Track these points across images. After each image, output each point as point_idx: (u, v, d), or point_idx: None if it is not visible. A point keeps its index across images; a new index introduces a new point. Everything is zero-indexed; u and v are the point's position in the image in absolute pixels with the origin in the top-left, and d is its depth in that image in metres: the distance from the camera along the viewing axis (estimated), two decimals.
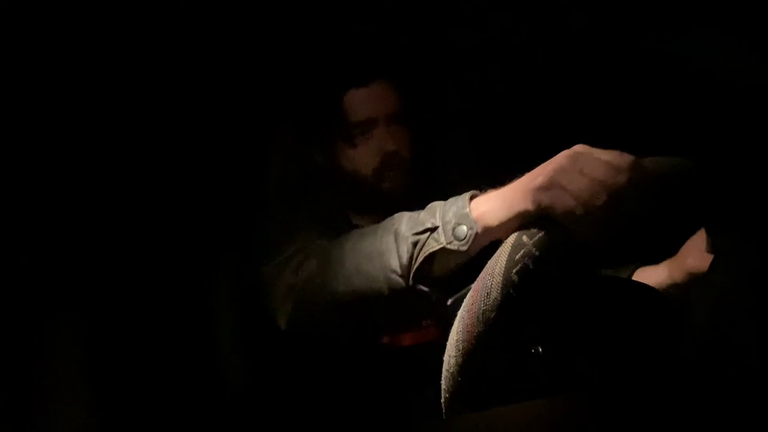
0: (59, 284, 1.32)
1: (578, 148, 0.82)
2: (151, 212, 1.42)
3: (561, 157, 0.81)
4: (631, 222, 0.80)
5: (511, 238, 0.81)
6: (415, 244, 0.92)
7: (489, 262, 0.81)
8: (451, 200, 0.92)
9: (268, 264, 1.13)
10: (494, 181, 0.89)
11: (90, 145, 1.38)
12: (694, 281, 1.07)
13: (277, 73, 1.44)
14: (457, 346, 0.78)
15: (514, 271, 0.78)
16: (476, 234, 0.88)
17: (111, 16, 1.36)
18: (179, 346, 1.38)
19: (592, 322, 0.85)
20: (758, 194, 0.87)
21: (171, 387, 1.37)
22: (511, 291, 0.77)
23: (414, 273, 0.93)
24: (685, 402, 0.65)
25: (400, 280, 0.94)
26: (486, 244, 0.88)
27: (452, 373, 0.78)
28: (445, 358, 0.79)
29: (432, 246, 0.91)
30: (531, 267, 0.78)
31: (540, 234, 0.80)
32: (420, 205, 0.99)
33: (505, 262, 0.79)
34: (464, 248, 0.89)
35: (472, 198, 0.90)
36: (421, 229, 0.92)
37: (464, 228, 0.88)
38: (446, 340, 0.80)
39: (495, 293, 0.77)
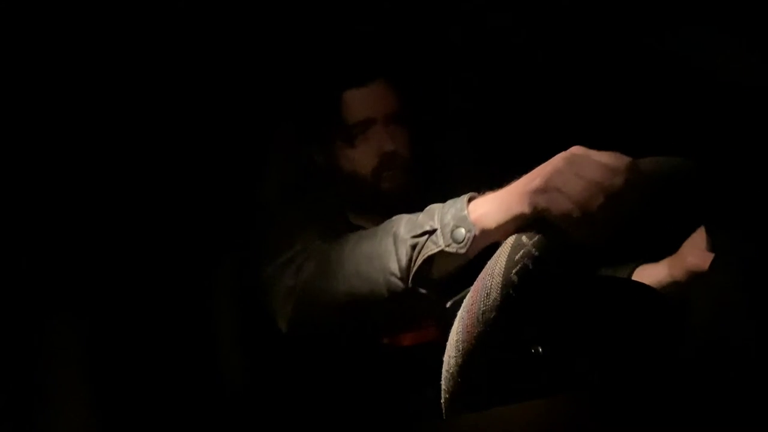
0: (59, 284, 1.32)
1: (575, 149, 0.81)
2: (151, 212, 1.42)
3: (557, 160, 0.81)
4: (628, 223, 0.80)
5: (511, 239, 0.81)
6: (413, 246, 0.93)
7: (489, 262, 0.81)
8: (450, 202, 0.93)
9: (268, 266, 1.13)
10: (494, 181, 0.89)
11: (90, 145, 1.38)
12: (694, 279, 1.07)
13: (276, 73, 1.44)
14: (457, 346, 0.78)
15: (513, 271, 0.78)
16: (474, 237, 0.88)
17: (111, 16, 1.36)
18: (179, 346, 1.38)
19: (591, 323, 0.85)
20: (758, 194, 0.87)
21: (171, 387, 1.37)
22: (511, 291, 0.77)
23: (413, 275, 0.93)
24: (685, 402, 0.65)
25: (399, 282, 0.94)
26: (484, 246, 0.88)
27: (452, 373, 0.78)
28: (445, 358, 0.79)
29: (431, 249, 0.91)
30: (530, 267, 0.78)
31: (539, 234, 0.80)
32: (419, 204, 0.99)
33: (504, 263, 0.79)
34: (462, 251, 0.89)
35: (470, 200, 0.91)
36: (419, 231, 0.93)
37: (462, 231, 0.89)
38: (446, 340, 0.80)
39: (495, 294, 0.77)
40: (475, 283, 0.80)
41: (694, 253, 1.07)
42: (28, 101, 1.33)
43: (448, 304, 0.85)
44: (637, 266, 1.20)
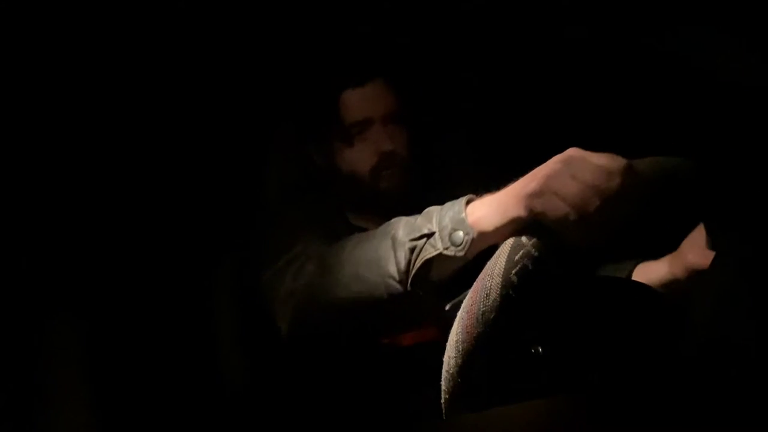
0: (59, 284, 1.32)
1: (571, 152, 0.81)
2: (151, 212, 1.42)
3: (553, 162, 0.81)
4: (625, 225, 0.80)
5: (510, 239, 0.82)
6: (412, 250, 0.93)
7: (488, 263, 0.81)
8: (448, 205, 0.93)
9: (268, 269, 1.13)
10: (493, 181, 0.89)
11: (90, 145, 1.38)
12: (694, 277, 1.07)
13: (276, 73, 1.44)
14: (457, 346, 0.78)
15: (513, 272, 0.78)
16: (472, 239, 0.88)
17: (111, 16, 1.36)
18: (179, 346, 1.38)
19: (590, 323, 0.85)
20: (758, 194, 0.87)
21: (171, 387, 1.37)
22: (511, 292, 0.77)
23: (412, 278, 0.93)
24: (685, 402, 0.65)
25: (398, 285, 0.94)
26: (483, 248, 0.88)
27: (452, 373, 0.78)
28: (445, 358, 0.79)
29: (429, 252, 0.92)
30: (530, 268, 0.78)
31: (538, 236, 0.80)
32: (418, 204, 0.99)
33: (504, 263, 0.79)
34: (461, 254, 0.89)
35: (468, 202, 0.91)
36: (417, 235, 0.93)
37: (461, 234, 0.89)
38: (446, 340, 0.80)
39: (494, 294, 0.77)
40: (474, 283, 0.80)
41: (694, 250, 1.07)
42: (28, 101, 1.33)
43: (447, 307, 0.85)
44: (637, 264, 1.20)
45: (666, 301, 0.96)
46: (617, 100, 1.43)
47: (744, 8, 1.22)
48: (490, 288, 0.78)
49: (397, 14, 1.46)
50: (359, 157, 1.23)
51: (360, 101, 1.22)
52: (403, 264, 0.93)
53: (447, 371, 0.79)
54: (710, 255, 0.94)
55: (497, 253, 0.81)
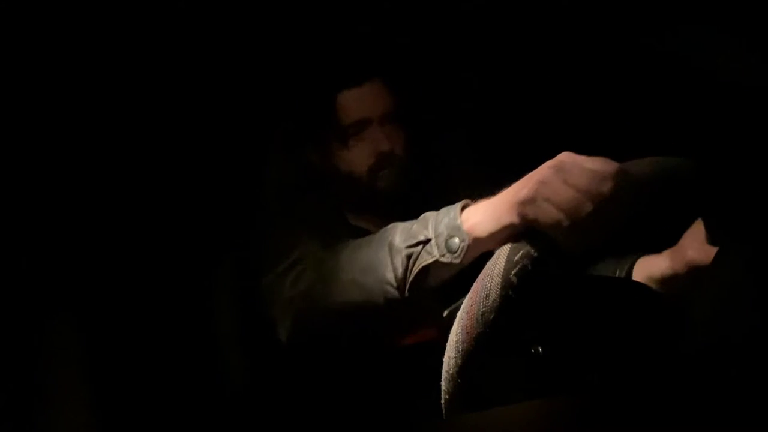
0: (59, 284, 1.32)
1: (563, 156, 0.81)
2: (151, 212, 1.42)
3: (545, 168, 0.81)
4: (619, 228, 0.80)
5: None
6: (409, 257, 0.93)
7: (488, 263, 0.81)
8: (443, 211, 0.93)
9: (267, 274, 1.13)
10: (492, 181, 0.89)
11: (90, 145, 1.38)
12: (694, 272, 1.07)
13: (275, 73, 1.44)
14: (457, 347, 0.78)
15: (513, 272, 0.78)
16: (468, 246, 0.88)
17: (111, 16, 1.36)
18: (179, 346, 1.38)
19: (590, 323, 0.85)
20: (758, 194, 0.87)
21: (171, 387, 1.37)
22: (510, 292, 0.77)
23: (409, 285, 0.94)
24: (685, 401, 0.65)
25: (395, 292, 0.95)
26: (478, 254, 0.88)
27: (452, 374, 0.78)
28: (445, 359, 0.79)
29: (426, 259, 0.92)
30: (529, 268, 0.78)
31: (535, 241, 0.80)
32: (417, 204, 0.99)
33: (503, 264, 0.79)
34: (457, 261, 0.90)
35: (463, 208, 0.91)
36: (414, 242, 0.93)
37: (456, 240, 0.89)
38: (446, 340, 0.80)
39: (494, 295, 0.77)
40: (474, 284, 0.80)
41: (694, 246, 1.07)
42: (28, 101, 1.33)
43: (445, 314, 0.86)
44: (637, 258, 1.19)
45: (665, 300, 0.96)
46: (617, 100, 1.43)
47: (744, 8, 1.22)
48: (490, 288, 0.78)
49: (397, 14, 1.46)
50: (357, 158, 1.23)
51: (357, 102, 1.22)
52: (400, 271, 0.94)
53: (447, 371, 0.79)
54: (710, 250, 0.95)
55: (497, 253, 0.81)
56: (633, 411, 0.64)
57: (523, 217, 0.81)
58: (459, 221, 0.89)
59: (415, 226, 0.95)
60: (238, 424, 1.27)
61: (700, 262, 1.04)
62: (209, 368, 1.31)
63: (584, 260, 0.99)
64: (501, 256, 0.80)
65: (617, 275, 1.19)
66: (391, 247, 0.95)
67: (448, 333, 0.80)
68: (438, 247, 0.91)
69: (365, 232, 1.19)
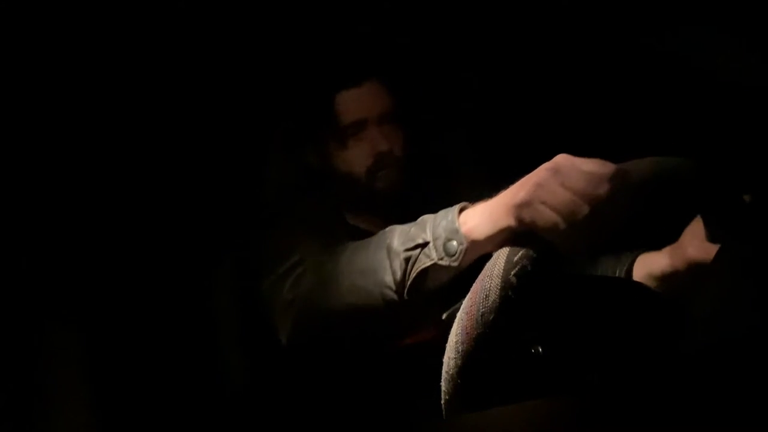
0: (59, 284, 1.32)
1: (559, 159, 0.81)
2: (151, 212, 1.42)
3: (542, 170, 0.81)
4: (616, 230, 0.80)
5: None
6: (407, 260, 0.93)
7: (487, 264, 0.81)
8: (441, 213, 0.93)
9: (267, 277, 1.14)
10: (491, 181, 0.89)
11: (90, 146, 1.38)
12: (695, 270, 1.07)
13: (274, 73, 1.44)
14: (457, 347, 0.78)
15: (512, 273, 0.78)
16: (466, 249, 0.88)
17: (111, 16, 1.36)
18: (179, 346, 1.38)
19: (590, 323, 0.85)
20: (757, 193, 0.87)
21: (171, 387, 1.37)
22: (510, 293, 0.77)
23: (408, 288, 0.94)
24: (685, 401, 0.65)
25: (394, 295, 0.95)
26: (477, 257, 0.88)
27: (452, 374, 0.78)
28: (445, 359, 0.79)
29: (424, 262, 0.92)
30: (529, 269, 0.78)
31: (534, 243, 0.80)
32: (416, 204, 0.99)
33: (503, 264, 0.79)
34: (455, 264, 0.90)
35: (461, 210, 0.91)
36: (412, 245, 0.93)
37: (454, 243, 0.89)
38: (446, 341, 0.80)
39: (494, 295, 0.77)
40: (474, 284, 0.80)
41: (694, 243, 1.07)
42: (28, 101, 1.33)
43: (444, 316, 0.86)
44: (638, 255, 1.19)
45: (665, 300, 0.96)
46: (617, 100, 1.43)
47: (744, 8, 1.22)
48: (490, 289, 0.78)
49: (396, 14, 1.46)
50: (355, 158, 1.23)
51: (355, 102, 1.22)
52: (399, 274, 0.94)
53: (447, 372, 0.79)
54: (709, 248, 0.95)
55: (496, 254, 0.81)
56: (633, 411, 0.64)
57: (521, 220, 0.81)
58: (457, 224, 0.89)
59: (413, 228, 0.95)
60: (238, 424, 1.27)
61: (700, 259, 1.05)
62: (209, 368, 1.31)
63: (583, 261, 0.99)
64: (500, 256, 0.80)
65: (617, 272, 1.19)
66: (389, 250, 0.96)
67: (448, 333, 0.80)
68: (436, 250, 0.91)
69: (364, 232, 1.19)
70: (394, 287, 0.95)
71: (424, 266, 0.92)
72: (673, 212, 0.91)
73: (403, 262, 0.94)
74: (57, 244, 1.34)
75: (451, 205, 0.94)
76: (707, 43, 1.27)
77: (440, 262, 0.91)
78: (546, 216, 0.79)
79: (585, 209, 0.78)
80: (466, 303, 0.80)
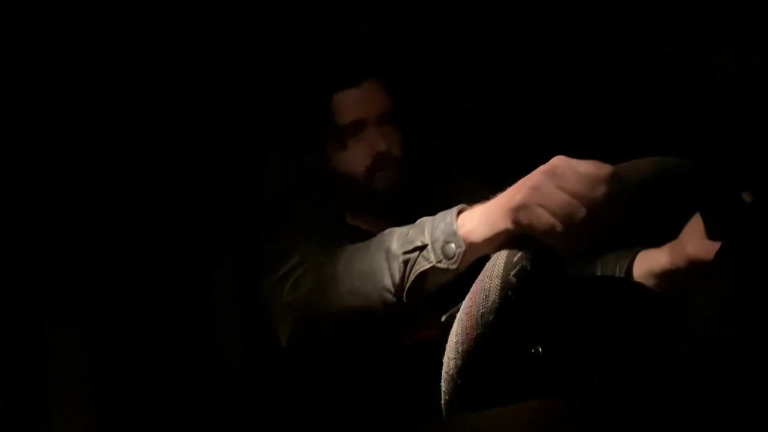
0: (59, 284, 1.32)
1: (556, 161, 0.81)
2: (151, 212, 1.42)
3: (538, 173, 0.81)
4: (614, 232, 0.80)
5: None
6: (406, 263, 0.93)
7: (487, 264, 0.81)
8: (440, 216, 0.93)
9: (267, 279, 1.14)
10: (491, 181, 0.89)
11: (90, 146, 1.38)
12: (695, 267, 1.07)
13: (273, 74, 1.44)
14: (456, 348, 0.78)
15: (512, 273, 0.78)
16: (464, 252, 0.88)
17: (110, 16, 1.36)
18: (179, 346, 1.38)
19: (590, 323, 0.85)
20: (758, 193, 0.87)
21: (171, 387, 1.37)
22: (510, 293, 0.77)
23: (407, 291, 0.94)
24: (685, 401, 0.65)
25: (393, 298, 0.95)
26: (475, 259, 0.88)
27: (452, 375, 0.78)
28: (445, 360, 0.79)
29: (422, 265, 0.92)
30: (529, 269, 0.78)
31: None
32: (414, 204, 0.99)
33: (503, 265, 0.79)
34: (454, 267, 0.90)
35: (459, 212, 0.91)
36: (410, 248, 0.93)
37: (453, 246, 0.89)
38: (446, 340, 0.80)
39: (493, 296, 0.77)
40: (473, 285, 0.80)
41: (694, 240, 1.07)
42: (28, 101, 1.33)
43: (443, 318, 0.86)
44: (639, 251, 1.19)
45: (665, 300, 0.96)
46: (617, 100, 1.43)
47: (744, 8, 1.22)
48: (489, 289, 0.78)
49: (396, 14, 1.46)
50: (354, 158, 1.23)
51: (354, 102, 1.22)
52: (397, 277, 0.94)
53: (447, 372, 0.79)
54: (709, 245, 0.96)
55: (496, 254, 0.81)
56: (633, 411, 0.64)
57: (518, 223, 0.81)
58: (455, 227, 0.89)
59: (411, 231, 0.95)
60: (238, 425, 1.27)
61: (700, 257, 1.05)
62: (209, 368, 1.31)
63: (582, 259, 0.99)
64: (500, 257, 0.80)
65: (618, 269, 1.19)
66: (388, 253, 0.96)
67: (448, 333, 0.80)
68: (434, 253, 0.91)
69: (364, 233, 1.19)
70: (393, 290, 0.95)
71: (422, 269, 0.92)
72: (673, 210, 0.91)
73: (402, 265, 0.94)
74: (57, 244, 1.34)
75: (450, 205, 0.93)
76: (707, 43, 1.27)
77: (439, 265, 0.91)
78: (543, 219, 0.79)
79: (582, 211, 0.77)
80: (465, 303, 0.80)
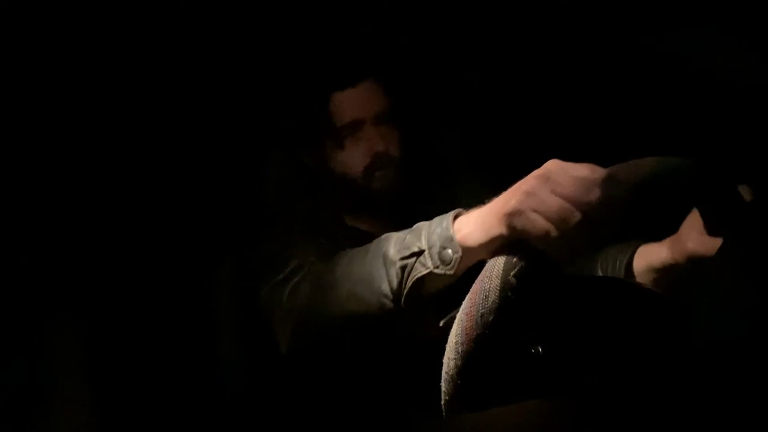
0: (59, 284, 1.32)
1: (549, 165, 0.80)
2: (151, 212, 1.42)
3: (532, 178, 0.81)
4: (610, 235, 0.80)
5: None
6: (403, 268, 0.94)
7: (487, 264, 0.81)
8: (436, 221, 0.93)
9: (266, 283, 1.14)
10: (490, 182, 0.89)
11: (90, 146, 1.38)
12: (694, 263, 1.07)
13: (272, 74, 1.44)
14: (456, 348, 0.78)
15: (512, 273, 0.78)
16: (461, 257, 0.88)
17: (110, 16, 1.36)
18: (179, 346, 1.38)
19: (590, 323, 0.85)
20: (758, 193, 0.87)
21: (171, 387, 1.37)
22: (509, 293, 0.77)
23: (405, 297, 0.94)
24: (685, 401, 0.65)
25: (391, 303, 0.95)
26: (472, 264, 0.88)
27: (452, 375, 0.78)
28: (445, 360, 0.79)
29: (420, 270, 0.92)
30: (528, 269, 0.78)
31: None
32: (413, 204, 0.99)
33: (502, 265, 0.79)
34: (451, 272, 0.90)
35: (456, 217, 0.91)
36: (407, 253, 0.93)
37: (450, 252, 0.89)
38: (446, 341, 0.80)
39: (493, 296, 0.77)
40: (473, 285, 0.80)
41: (693, 236, 1.07)
42: (28, 101, 1.33)
43: (441, 323, 0.86)
44: (638, 246, 1.19)
45: (665, 301, 0.96)
46: (617, 100, 1.43)
47: (744, 8, 1.22)
48: (489, 290, 0.78)
49: (396, 14, 1.46)
50: (352, 158, 1.23)
51: (351, 102, 1.22)
52: (395, 283, 0.94)
53: (447, 373, 0.79)
54: (708, 241, 0.96)
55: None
56: (633, 411, 0.64)
57: (512, 229, 0.81)
58: (451, 232, 0.89)
59: (408, 236, 0.95)
60: (238, 425, 1.27)
61: (699, 252, 1.05)
62: (209, 368, 1.31)
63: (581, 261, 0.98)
64: (500, 257, 0.80)
65: (618, 264, 1.19)
66: (385, 259, 0.96)
67: (448, 334, 0.80)
68: (432, 259, 0.91)
69: (363, 233, 1.19)
70: (391, 296, 0.95)
71: (420, 275, 0.92)
72: (672, 209, 0.91)
73: (399, 271, 0.94)
74: (57, 244, 1.34)
75: (449, 205, 0.94)
76: (707, 43, 1.27)
77: (436, 271, 0.91)
78: (537, 224, 0.78)
79: (577, 216, 0.77)
80: (465, 304, 0.80)
